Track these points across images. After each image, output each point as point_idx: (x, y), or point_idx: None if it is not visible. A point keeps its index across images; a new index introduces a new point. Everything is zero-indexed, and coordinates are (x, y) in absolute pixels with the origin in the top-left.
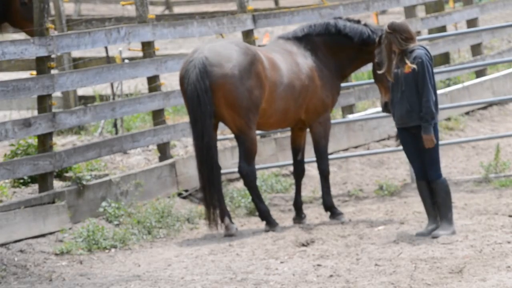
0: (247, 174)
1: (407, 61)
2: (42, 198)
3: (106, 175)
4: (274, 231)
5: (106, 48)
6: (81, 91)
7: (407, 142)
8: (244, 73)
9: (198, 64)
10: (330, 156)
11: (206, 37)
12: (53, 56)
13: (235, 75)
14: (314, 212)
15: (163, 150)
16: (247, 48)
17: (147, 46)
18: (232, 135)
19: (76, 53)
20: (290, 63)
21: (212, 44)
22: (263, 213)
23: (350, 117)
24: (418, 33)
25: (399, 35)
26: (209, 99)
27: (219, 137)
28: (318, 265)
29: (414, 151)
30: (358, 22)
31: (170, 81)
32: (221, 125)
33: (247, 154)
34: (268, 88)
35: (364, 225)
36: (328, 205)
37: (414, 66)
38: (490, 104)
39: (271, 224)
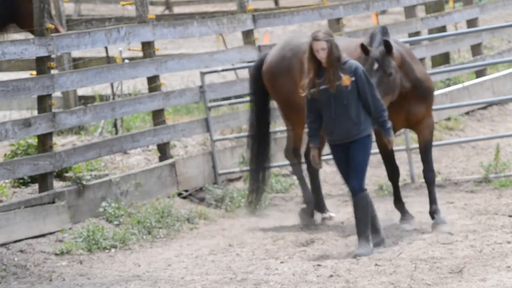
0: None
1: (343, 74)
2: (42, 198)
3: (106, 175)
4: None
5: (106, 48)
6: (81, 91)
7: (342, 159)
8: (275, 70)
9: (261, 55)
10: (330, 157)
11: (206, 37)
12: (53, 56)
13: (267, 71)
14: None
15: (163, 150)
16: (289, 44)
17: (147, 46)
18: (232, 135)
19: (76, 53)
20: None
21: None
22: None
23: None
24: (418, 33)
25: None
26: (256, 87)
27: (218, 137)
28: (318, 265)
29: (348, 168)
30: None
31: (170, 81)
32: (221, 125)
33: (286, 146)
34: None
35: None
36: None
37: (353, 78)
38: (490, 104)
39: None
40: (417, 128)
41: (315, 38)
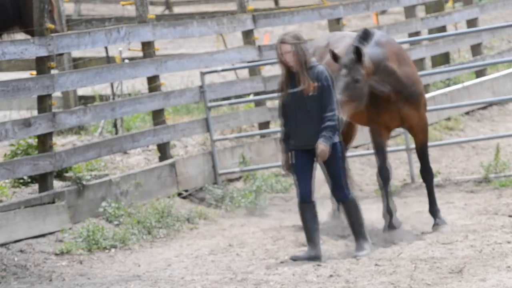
0: None
1: (309, 79)
2: (42, 198)
3: (106, 175)
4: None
5: (106, 48)
6: (81, 91)
7: (302, 162)
8: None
9: None
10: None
11: (206, 37)
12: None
13: None
14: None
15: (163, 150)
16: (313, 44)
17: (147, 46)
18: (232, 135)
19: (76, 53)
20: None
21: None
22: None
23: None
24: (418, 33)
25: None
26: None
27: (218, 137)
28: (318, 265)
29: (306, 172)
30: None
31: (170, 81)
32: (221, 125)
33: None
34: None
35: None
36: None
37: (317, 84)
38: (490, 104)
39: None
40: (411, 130)
41: (281, 41)
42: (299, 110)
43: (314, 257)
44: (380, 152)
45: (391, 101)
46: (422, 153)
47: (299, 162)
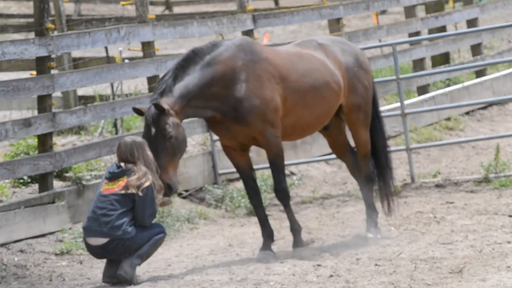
0: None
1: None
2: (42, 198)
3: None
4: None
5: (106, 48)
6: (81, 91)
7: None
8: None
9: None
10: (330, 156)
11: (206, 37)
12: (53, 56)
13: None
14: (314, 212)
15: None
16: None
17: (147, 46)
18: None
19: (76, 53)
20: None
21: None
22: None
23: None
24: (418, 33)
25: None
26: None
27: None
28: (318, 265)
29: None
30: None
31: None
32: None
33: None
34: None
35: (364, 225)
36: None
37: None
38: (490, 104)
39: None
40: (261, 146)
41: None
42: None
43: None
44: (241, 176)
45: (217, 120)
46: (272, 168)
47: None
